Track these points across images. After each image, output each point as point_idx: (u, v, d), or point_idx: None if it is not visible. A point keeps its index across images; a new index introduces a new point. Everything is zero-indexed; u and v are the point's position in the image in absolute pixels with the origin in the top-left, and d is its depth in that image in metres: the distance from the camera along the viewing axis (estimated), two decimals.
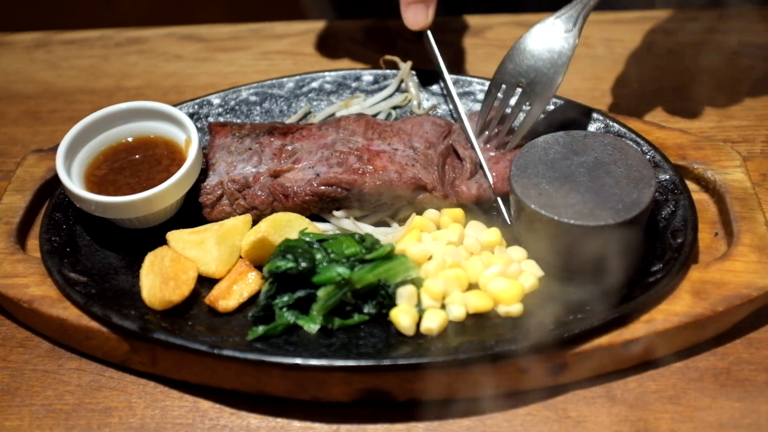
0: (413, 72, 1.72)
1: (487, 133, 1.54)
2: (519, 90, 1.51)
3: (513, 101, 1.53)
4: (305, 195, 1.42)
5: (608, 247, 1.29)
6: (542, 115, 1.54)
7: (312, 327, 1.29)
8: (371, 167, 1.43)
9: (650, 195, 1.31)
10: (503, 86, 1.51)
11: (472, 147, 1.52)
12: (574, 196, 1.31)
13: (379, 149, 1.47)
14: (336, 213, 1.45)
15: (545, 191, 1.33)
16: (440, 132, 1.54)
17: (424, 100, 1.70)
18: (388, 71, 1.73)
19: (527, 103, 1.50)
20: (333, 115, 1.66)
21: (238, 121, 1.67)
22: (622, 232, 1.29)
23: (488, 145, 1.52)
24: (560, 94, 1.62)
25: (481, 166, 1.49)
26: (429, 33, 1.59)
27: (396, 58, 1.76)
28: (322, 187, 1.42)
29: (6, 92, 1.95)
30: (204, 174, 1.46)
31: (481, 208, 1.48)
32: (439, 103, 1.69)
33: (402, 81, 1.72)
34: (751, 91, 1.78)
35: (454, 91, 1.59)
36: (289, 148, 1.49)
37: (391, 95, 1.70)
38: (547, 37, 1.49)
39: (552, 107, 1.61)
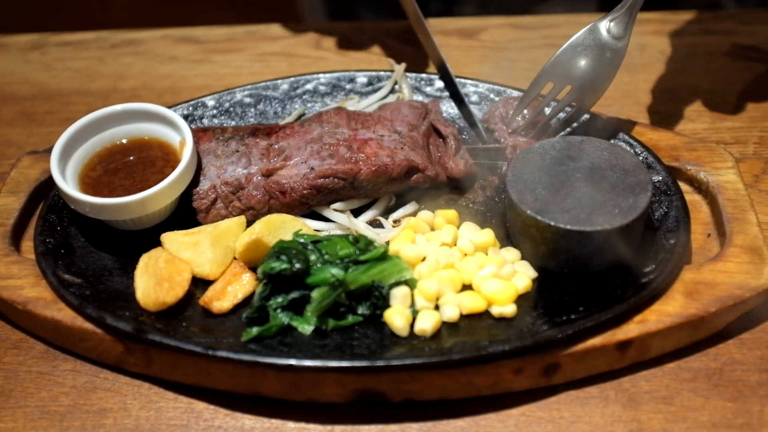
0: (407, 74, 1.73)
1: (521, 121, 1.55)
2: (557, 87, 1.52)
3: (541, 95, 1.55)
4: (303, 189, 1.43)
5: (604, 251, 1.30)
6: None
7: (306, 328, 1.29)
8: (363, 155, 1.45)
9: (646, 200, 1.31)
10: (549, 83, 1.51)
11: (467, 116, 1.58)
12: (570, 201, 1.32)
13: (366, 137, 1.49)
14: (333, 206, 1.46)
15: (541, 197, 1.33)
16: (419, 114, 1.56)
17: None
18: (382, 72, 1.73)
19: (571, 104, 1.52)
20: None
21: (233, 123, 1.68)
22: (619, 237, 1.29)
23: (522, 134, 1.55)
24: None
25: (475, 124, 1.55)
26: None
27: (390, 60, 1.77)
28: (319, 180, 1.43)
29: (1, 93, 1.95)
30: (194, 180, 1.46)
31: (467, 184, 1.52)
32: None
33: (396, 83, 1.72)
34: (744, 92, 1.79)
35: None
36: (277, 146, 1.50)
37: (385, 97, 1.70)
38: (601, 42, 1.49)
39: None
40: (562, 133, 1.55)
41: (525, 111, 1.55)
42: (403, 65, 1.73)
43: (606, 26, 1.49)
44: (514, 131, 1.55)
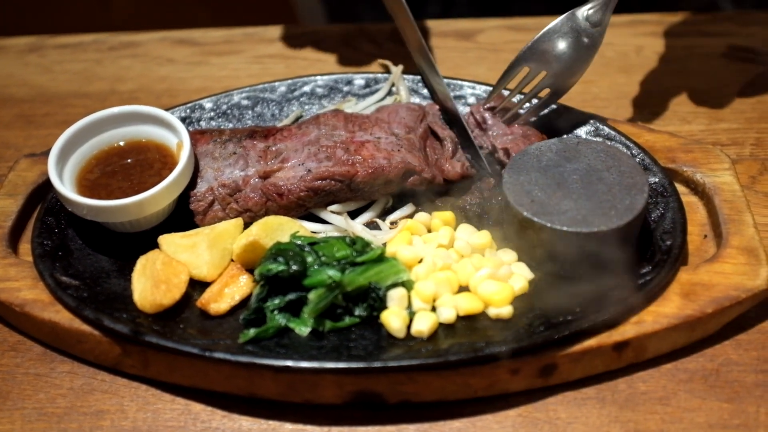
0: (404, 76, 1.73)
1: (494, 105, 1.58)
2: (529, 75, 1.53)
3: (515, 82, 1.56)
4: (300, 191, 1.43)
5: (601, 253, 1.30)
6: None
7: (303, 329, 1.29)
8: (360, 157, 1.45)
9: (643, 201, 1.31)
10: (525, 67, 1.53)
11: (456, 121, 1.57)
12: (567, 203, 1.32)
13: (363, 139, 1.49)
14: (331, 208, 1.47)
15: (538, 198, 1.33)
16: (416, 116, 1.56)
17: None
18: (379, 75, 1.74)
19: (544, 89, 1.53)
20: None
21: (230, 125, 1.68)
22: (615, 238, 1.29)
23: (498, 123, 1.57)
24: None
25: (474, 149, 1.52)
26: None
27: (387, 62, 1.77)
28: (317, 182, 1.43)
29: None
30: (192, 182, 1.47)
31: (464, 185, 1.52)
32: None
33: (393, 85, 1.72)
34: (741, 94, 1.79)
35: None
36: (274, 148, 1.50)
37: (382, 99, 1.71)
38: (579, 28, 1.50)
39: (545, 110, 1.62)
40: (533, 119, 1.57)
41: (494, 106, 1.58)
42: (401, 67, 1.73)
43: (584, 14, 1.51)
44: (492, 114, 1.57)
